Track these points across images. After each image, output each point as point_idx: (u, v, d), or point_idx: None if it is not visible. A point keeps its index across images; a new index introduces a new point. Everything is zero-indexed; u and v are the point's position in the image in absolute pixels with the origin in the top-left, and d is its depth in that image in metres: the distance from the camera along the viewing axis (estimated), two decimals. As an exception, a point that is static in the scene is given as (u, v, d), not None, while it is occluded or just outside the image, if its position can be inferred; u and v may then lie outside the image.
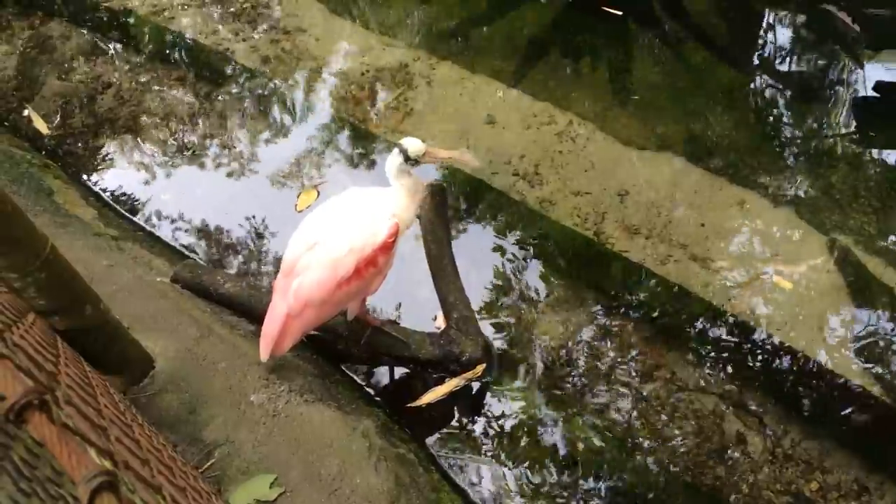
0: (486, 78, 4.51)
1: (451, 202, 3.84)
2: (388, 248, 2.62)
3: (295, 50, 4.72)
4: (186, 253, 3.75)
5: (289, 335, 2.70)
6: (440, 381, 3.15)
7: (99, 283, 2.81)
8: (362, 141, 4.25)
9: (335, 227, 2.61)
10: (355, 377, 3.26)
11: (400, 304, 3.46)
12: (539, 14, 5.12)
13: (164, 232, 3.88)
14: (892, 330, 3.36)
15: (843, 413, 3.17)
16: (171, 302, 2.98)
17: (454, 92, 4.42)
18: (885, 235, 3.68)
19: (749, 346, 3.38)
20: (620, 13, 4.96)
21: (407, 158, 2.54)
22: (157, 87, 4.57)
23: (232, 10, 5.04)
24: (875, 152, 4.17)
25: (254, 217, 3.89)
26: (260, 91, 4.55)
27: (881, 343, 3.33)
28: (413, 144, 2.55)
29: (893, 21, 5.15)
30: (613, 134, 4.21)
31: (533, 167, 4.02)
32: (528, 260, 3.67)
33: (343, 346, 3.27)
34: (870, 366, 3.26)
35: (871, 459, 3.00)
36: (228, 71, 4.66)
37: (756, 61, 4.94)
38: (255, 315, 3.11)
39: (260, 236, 3.82)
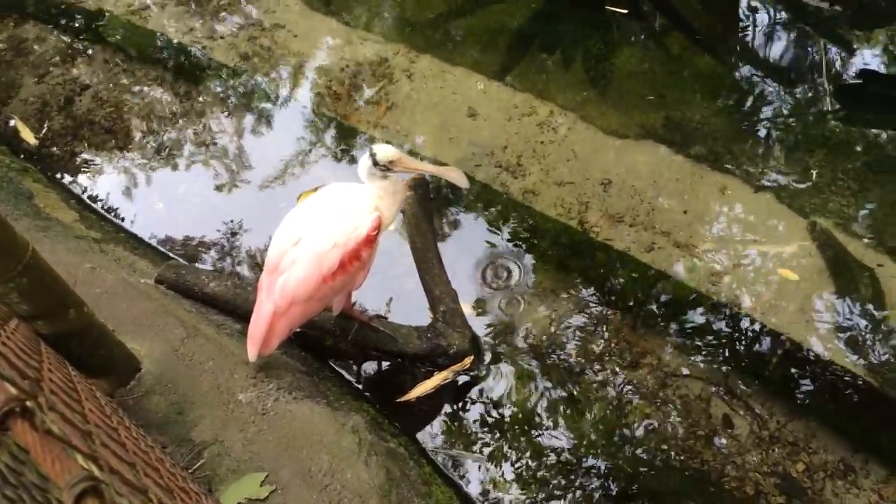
0: (466, 70, 4.51)
1: (435, 195, 3.84)
2: (371, 241, 2.63)
3: (274, 46, 4.70)
4: (170, 254, 3.73)
5: (276, 333, 2.70)
6: (429, 375, 3.17)
7: (82, 286, 2.79)
8: (344, 136, 4.24)
9: (318, 223, 2.61)
10: (344, 373, 3.27)
11: (388, 299, 3.46)
12: (518, 5, 5.11)
13: (147, 233, 3.86)
14: (874, 311, 3.40)
15: (827, 394, 3.21)
16: (155, 303, 2.96)
17: (435, 85, 4.42)
18: (864, 217, 3.72)
19: (733, 330, 3.41)
20: (626, 11, 4.98)
21: (376, 163, 2.54)
22: (135, 88, 4.54)
23: (209, 7, 5.00)
24: (853, 136, 4.20)
25: (237, 215, 3.88)
26: (239, 89, 4.52)
27: (863, 324, 3.37)
28: (382, 150, 2.54)
29: None
30: (594, 123, 4.22)
31: (515, 158, 4.02)
32: (514, 251, 3.68)
33: (331, 343, 3.27)
34: (852, 347, 3.30)
35: (855, 439, 3.04)
36: (207, 69, 4.63)
37: (735, 48, 4.96)
38: (241, 313, 3.11)
39: (244, 234, 3.81)
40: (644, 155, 4.06)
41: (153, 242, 3.81)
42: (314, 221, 2.63)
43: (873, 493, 2.89)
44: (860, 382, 3.19)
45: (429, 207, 3.38)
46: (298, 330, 3.02)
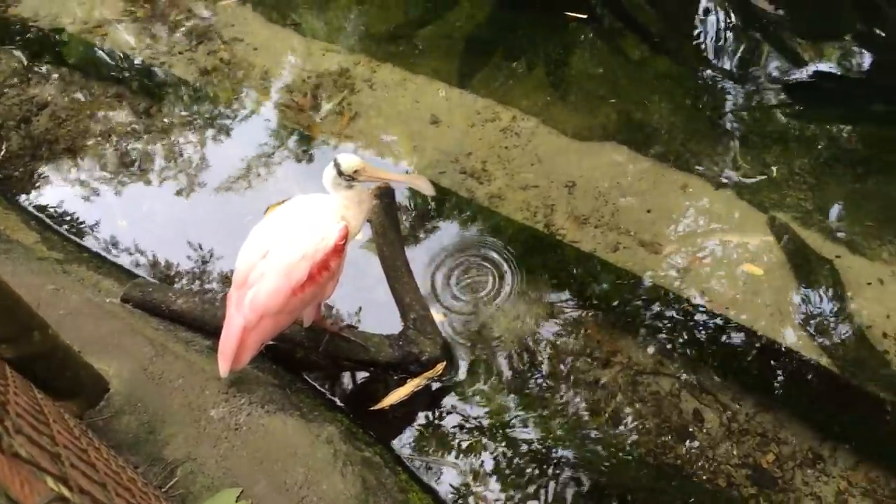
0: (427, 78, 4.53)
1: (402, 203, 3.85)
2: (339, 251, 2.63)
3: (234, 60, 4.68)
4: (136, 272, 3.69)
5: (247, 348, 2.68)
6: (402, 383, 3.17)
7: (46, 307, 2.75)
8: (308, 148, 4.24)
9: (285, 235, 2.61)
10: (316, 384, 3.25)
11: (358, 309, 3.46)
12: (476, 12, 5.15)
13: (112, 252, 3.81)
14: (835, 301, 3.48)
15: (794, 385, 3.27)
16: (122, 322, 2.93)
17: (397, 94, 4.43)
18: (821, 211, 3.81)
19: (700, 325, 3.46)
20: (584, 17, 5.05)
21: (340, 173, 2.55)
22: (94, 106, 4.48)
23: (166, 23, 4.97)
24: (807, 132, 4.31)
25: (203, 230, 3.85)
26: (200, 103, 4.50)
27: (825, 314, 3.45)
28: (346, 160, 2.55)
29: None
30: (557, 127, 4.27)
31: (480, 164, 4.05)
32: (483, 256, 3.70)
33: (302, 355, 3.26)
34: (816, 337, 3.37)
35: (823, 428, 3.09)
36: (167, 85, 4.59)
37: (691, 50, 5.05)
38: (210, 329, 3.08)
39: (211, 249, 3.78)
40: (606, 156, 4.11)
41: (118, 261, 3.76)
42: (281, 234, 2.62)
43: (842, 479, 2.95)
44: (825, 372, 3.25)
45: (395, 216, 3.39)
46: (269, 343, 3.00)
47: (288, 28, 4.94)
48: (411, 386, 3.11)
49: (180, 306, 3.17)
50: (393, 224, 3.31)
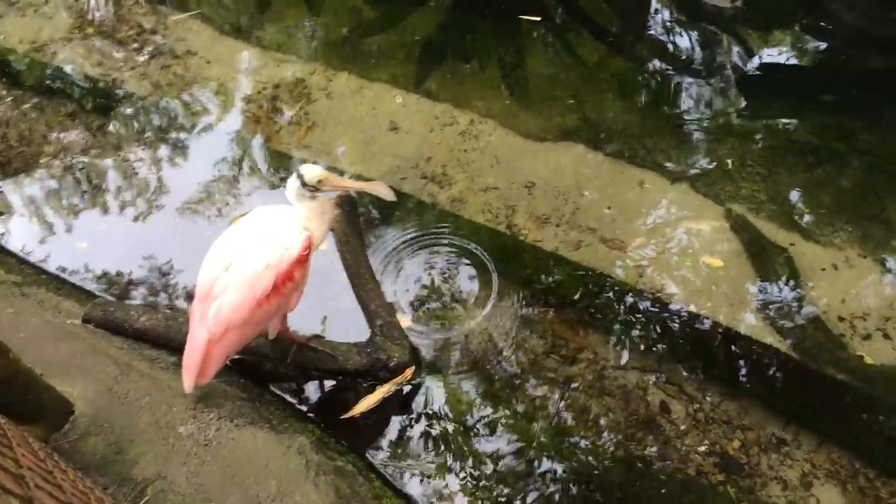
0: (384, 85, 4.55)
1: (364, 211, 3.86)
2: (303, 261, 2.63)
3: (187, 74, 4.64)
4: (96, 292, 3.64)
5: (212, 362, 2.66)
6: (371, 390, 3.16)
7: (5, 331, 2.71)
8: (267, 159, 4.22)
9: (249, 247, 2.60)
10: (285, 396, 3.24)
11: (324, 318, 3.45)
12: (429, 18, 5.19)
13: (71, 273, 3.75)
14: (792, 288, 3.56)
15: (756, 372, 3.33)
16: (84, 343, 2.89)
17: (354, 102, 4.44)
18: (775, 200, 3.91)
19: (663, 318, 3.51)
20: (538, 18, 5.10)
21: (304, 184, 2.56)
22: (46, 125, 4.41)
23: (116, 39, 4.91)
24: (758, 124, 4.41)
25: (164, 247, 3.81)
26: (155, 119, 4.45)
27: (783, 301, 3.53)
28: (309, 170, 2.57)
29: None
30: (514, 128, 4.31)
31: (440, 168, 4.07)
32: (447, 259, 3.71)
33: (270, 367, 3.24)
34: (775, 324, 3.45)
35: (785, 413, 3.16)
36: (120, 101, 4.54)
37: (645, 48, 5.14)
38: (175, 345, 3.05)
39: (172, 265, 3.74)
40: (564, 156, 4.16)
41: (78, 282, 3.70)
42: (244, 245, 2.61)
43: (806, 462, 3.01)
44: (785, 357, 3.33)
45: (358, 224, 3.40)
46: (236, 357, 2.98)
47: (241, 40, 4.92)
48: (381, 392, 3.11)
49: (143, 324, 3.13)
50: (356, 232, 3.32)
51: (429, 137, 4.23)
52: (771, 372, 3.33)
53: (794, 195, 3.95)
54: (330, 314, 3.46)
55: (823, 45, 5.25)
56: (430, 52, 4.89)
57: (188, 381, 2.63)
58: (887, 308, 3.48)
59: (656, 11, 5.52)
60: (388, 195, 2.64)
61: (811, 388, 3.28)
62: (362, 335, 3.27)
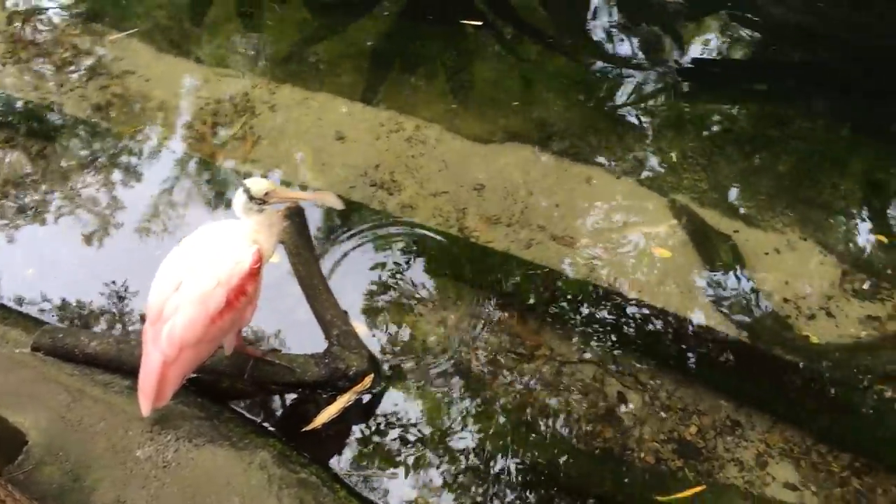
0: (329, 95, 4.55)
1: (315, 221, 3.84)
2: (254, 274, 2.62)
3: (127, 94, 4.57)
4: (44, 319, 3.56)
5: (169, 383, 2.63)
6: (332, 400, 3.15)
7: (-50, 365, 2.64)
8: (214, 175, 4.18)
9: (198, 264, 2.58)
10: (245, 412, 3.20)
11: (280, 331, 3.44)
12: (373, 27, 5.21)
13: (18, 301, 3.66)
14: (738, 274, 3.67)
15: (707, 358, 3.41)
16: (34, 371, 2.83)
17: (299, 113, 4.43)
18: (716, 189, 4.03)
19: (616, 310, 3.58)
20: (479, 23, 5.15)
21: (251, 197, 2.56)
22: (-17, 153, 4.31)
23: (52, 61, 4.82)
24: (697, 117, 4.53)
25: (114, 270, 3.74)
26: (97, 141, 4.37)
27: (729, 287, 3.63)
28: (255, 184, 2.57)
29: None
30: (461, 132, 4.36)
31: (389, 175, 4.09)
32: (401, 265, 3.73)
33: (228, 384, 3.21)
34: (723, 309, 3.55)
35: (738, 396, 3.25)
36: (60, 124, 4.45)
37: (585, 47, 5.24)
38: (129, 369, 3.00)
39: (123, 288, 3.68)
40: (511, 157, 4.22)
41: (25, 310, 3.61)
42: (193, 263, 2.59)
43: (760, 443, 3.10)
44: (735, 341, 3.42)
45: (308, 235, 3.38)
46: (192, 376, 2.95)
47: (181, 57, 4.87)
48: (341, 402, 3.11)
49: (94, 349, 3.08)
50: (306, 243, 3.31)
51: (376, 145, 4.24)
52: (722, 357, 3.42)
53: (735, 183, 4.07)
54: (286, 327, 3.44)
55: (755, 38, 5.43)
56: (374, 60, 4.91)
57: (145, 405, 2.59)
58: (829, 287, 3.60)
59: (595, 11, 5.63)
60: (337, 204, 2.65)
61: (762, 370, 3.37)
62: (320, 346, 3.26)
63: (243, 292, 2.61)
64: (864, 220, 4.01)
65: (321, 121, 4.39)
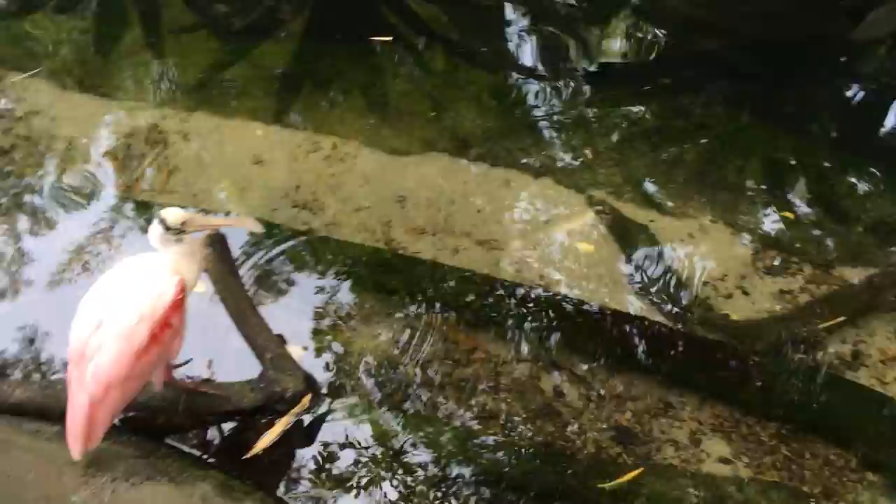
0: (243, 120, 4.53)
1: (238, 246, 3.80)
2: (179, 305, 2.58)
3: (33, 134, 4.44)
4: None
5: (98, 424, 2.56)
6: (271, 424, 3.13)
7: None
8: (132, 210, 4.10)
9: (118, 300, 2.53)
10: (183, 446, 3.14)
11: (211, 361, 3.39)
12: (282, 49, 5.21)
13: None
14: (657, 261, 3.80)
15: (636, 344, 3.51)
16: (-46, 429, 2.72)
17: (213, 140, 4.40)
18: (630, 182, 4.18)
19: (546, 307, 3.65)
20: (389, 38, 5.19)
21: (168, 228, 2.53)
22: None
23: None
24: (607, 113, 4.70)
25: (34, 316, 3.62)
26: (4, 185, 4.23)
27: (651, 274, 3.76)
28: (171, 214, 2.54)
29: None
30: (379, 146, 4.40)
31: (311, 195, 4.09)
32: (330, 283, 3.72)
33: (163, 419, 3.15)
34: (647, 296, 3.67)
35: (668, 379, 3.35)
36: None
37: (496, 54, 5.38)
38: (56, 414, 2.91)
39: (45, 333, 3.57)
40: (431, 167, 4.28)
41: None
42: (114, 300, 2.54)
43: (692, 421, 3.20)
44: (659, 326, 3.53)
45: (231, 260, 3.36)
46: (126, 415, 2.89)
47: (87, 93, 4.76)
48: (281, 425, 3.08)
49: (18, 397, 2.97)
50: (230, 269, 3.29)
51: (295, 166, 4.24)
52: (650, 342, 3.52)
53: (647, 175, 4.24)
54: (218, 356, 3.39)
55: (657, 33, 5.65)
56: (286, 81, 4.92)
57: (76, 448, 2.53)
58: (742, 266, 3.78)
59: (504, 20, 5.77)
60: (256, 227, 2.65)
61: (687, 351, 3.49)
62: (255, 372, 3.23)
63: (168, 325, 2.57)
64: (768, 199, 4.23)
65: (237, 146, 4.37)
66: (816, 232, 4.08)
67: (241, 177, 4.20)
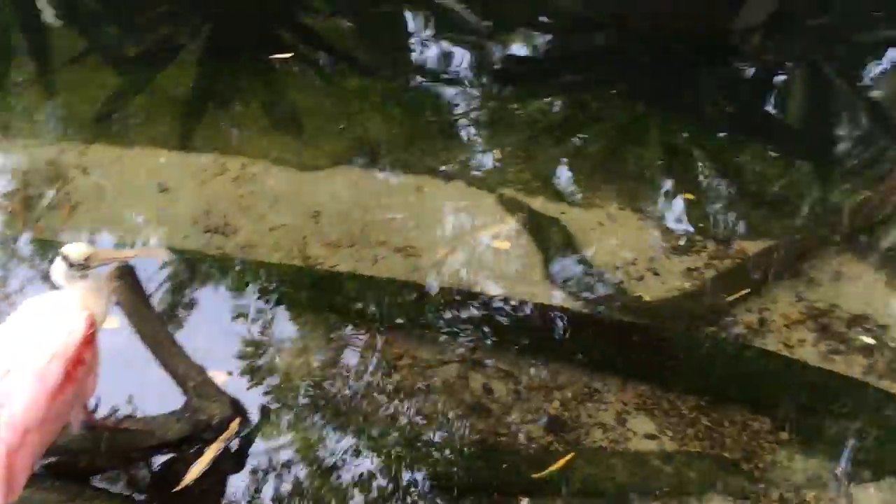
0: (145, 149, 4.43)
1: (150, 276, 3.72)
2: (90, 341, 2.51)
3: (-84, 183, 4.25)
4: None
5: (18, 472, 2.46)
6: (200, 454, 3.07)
7: None
8: (36, 252, 3.95)
9: (26, 343, 2.45)
10: (110, 487, 3.05)
11: (131, 396, 3.30)
12: (181, 73, 5.13)
13: None
14: (570, 251, 3.92)
15: (558, 334, 3.59)
16: None
17: (115, 171, 4.29)
18: (538, 178, 4.30)
19: (467, 307, 3.70)
20: (291, 54, 5.16)
21: (71, 264, 2.47)
22: None
23: None
24: (512, 113, 4.81)
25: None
26: None
27: (566, 265, 3.87)
28: (73, 249, 2.48)
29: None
30: (288, 163, 4.38)
31: (222, 218, 4.04)
32: (250, 305, 3.68)
33: (87, 461, 3.05)
34: (564, 287, 3.77)
35: (590, 366, 3.43)
36: None
37: (400, 64, 5.42)
38: (-29, 470, 2.79)
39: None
40: (342, 180, 4.29)
41: None
42: (20, 343, 2.46)
43: (617, 402, 3.30)
44: (578, 314, 3.64)
45: (142, 291, 3.29)
46: (47, 461, 2.79)
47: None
48: (210, 453, 3.03)
49: (-73, 456, 2.83)
50: (143, 300, 3.22)
51: (202, 191, 4.18)
52: (571, 331, 3.61)
53: (554, 170, 4.35)
54: (138, 390, 3.30)
55: (553, 34, 5.82)
56: (188, 105, 4.84)
57: (-6, 501, 2.43)
58: (649, 249, 3.93)
59: (405, 31, 5.83)
60: (164, 256, 2.62)
61: (606, 335, 3.60)
62: (179, 402, 3.17)
63: (81, 362, 2.50)
64: (670, 182, 4.41)
65: (140, 175, 4.27)
66: (716, 209, 4.28)
67: (147, 206, 4.11)
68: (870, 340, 3.53)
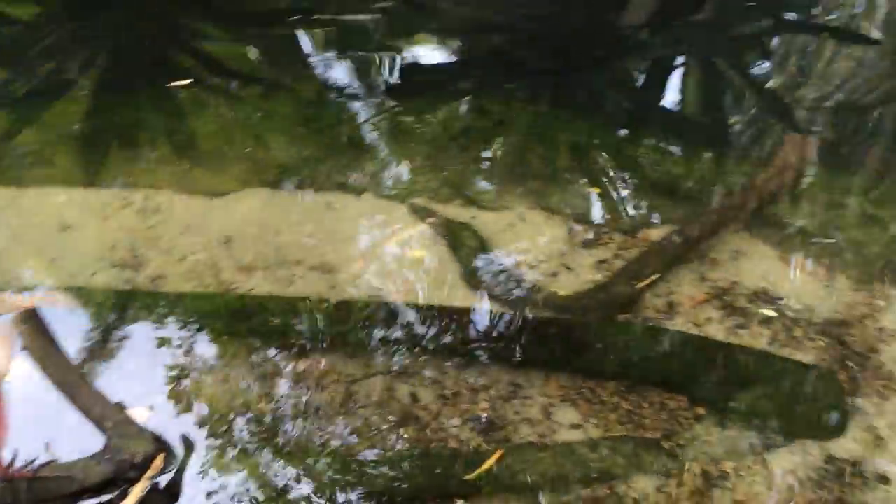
0: (41, 188, 4.28)
1: (58, 319, 3.60)
2: (-5, 394, 2.43)
3: None
4: None
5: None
6: (125, 494, 2.99)
7: None
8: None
9: (-74, 400, 2.35)
10: (33, 540, 2.94)
11: (48, 444, 3.18)
12: (74, 108, 4.99)
13: None
14: (484, 254, 3.99)
15: (479, 337, 3.65)
16: None
17: (11, 214, 4.12)
18: (447, 185, 4.35)
19: (388, 318, 3.72)
20: (191, 80, 5.07)
21: None
22: None
23: None
24: (416, 123, 4.87)
25: None
26: None
27: (482, 267, 3.93)
28: None
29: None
30: (194, 191, 4.31)
31: (129, 252, 3.94)
32: (166, 337, 3.60)
33: (5, 517, 2.94)
34: (482, 288, 3.83)
35: (511, 363, 3.51)
36: None
37: (303, 82, 5.41)
38: None
39: None
40: (250, 202, 4.25)
41: None
42: (-80, 400, 2.36)
43: (542, 397, 3.37)
44: (498, 314, 3.70)
45: (49, 335, 3.19)
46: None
47: None
48: (136, 493, 2.95)
49: None
50: (50, 344, 3.12)
51: (106, 226, 4.07)
52: (492, 332, 3.68)
53: (461, 176, 4.43)
54: (55, 436, 3.19)
55: (451, 40, 5.91)
56: (85, 140, 4.71)
57: None
58: (561, 245, 4.04)
59: (307, 47, 5.82)
60: (66, 302, 2.55)
61: (524, 331, 3.68)
62: (98, 444, 3.07)
63: (-12, 414, 2.42)
64: (575, 180, 4.55)
65: (38, 216, 4.12)
66: (621, 202, 4.44)
67: (48, 247, 3.97)
68: (771, 313, 3.72)
